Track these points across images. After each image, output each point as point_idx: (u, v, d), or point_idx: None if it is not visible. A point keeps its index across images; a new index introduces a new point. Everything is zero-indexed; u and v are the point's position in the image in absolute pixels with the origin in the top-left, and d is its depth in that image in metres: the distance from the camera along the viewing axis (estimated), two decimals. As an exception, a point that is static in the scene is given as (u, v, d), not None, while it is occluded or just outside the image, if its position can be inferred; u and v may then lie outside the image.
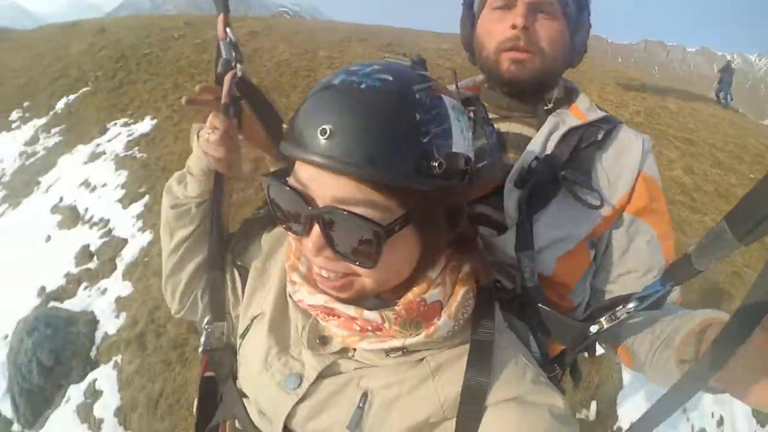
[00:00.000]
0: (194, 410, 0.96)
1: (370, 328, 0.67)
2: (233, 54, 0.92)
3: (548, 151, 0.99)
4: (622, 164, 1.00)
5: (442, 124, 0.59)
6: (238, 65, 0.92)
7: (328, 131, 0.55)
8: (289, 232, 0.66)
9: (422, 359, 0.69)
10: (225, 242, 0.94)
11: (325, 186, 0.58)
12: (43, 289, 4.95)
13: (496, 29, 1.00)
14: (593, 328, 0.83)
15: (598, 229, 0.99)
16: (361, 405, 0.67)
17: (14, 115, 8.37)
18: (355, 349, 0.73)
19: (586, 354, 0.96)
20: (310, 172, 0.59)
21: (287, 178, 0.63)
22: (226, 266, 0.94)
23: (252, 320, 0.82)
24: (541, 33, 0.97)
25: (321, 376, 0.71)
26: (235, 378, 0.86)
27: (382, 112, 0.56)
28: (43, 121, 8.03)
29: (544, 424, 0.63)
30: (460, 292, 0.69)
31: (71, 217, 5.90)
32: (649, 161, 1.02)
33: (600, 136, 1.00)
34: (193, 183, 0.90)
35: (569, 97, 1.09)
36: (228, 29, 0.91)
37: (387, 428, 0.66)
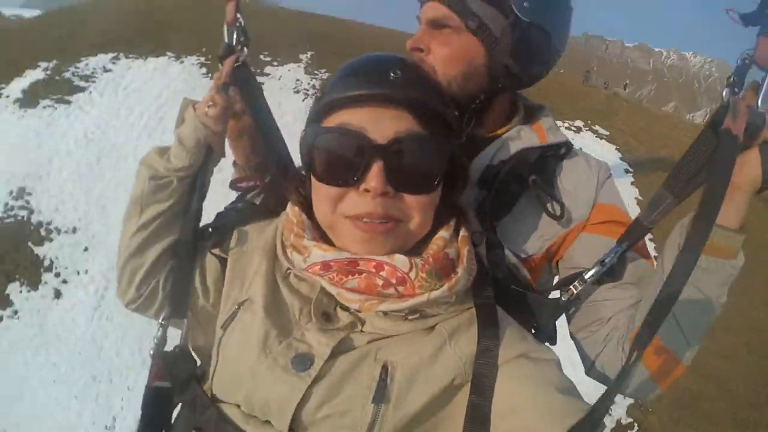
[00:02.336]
0: (137, 427, 0.86)
1: (394, 281, 0.69)
2: (240, 38, 0.97)
3: (512, 153, 0.97)
4: (578, 192, 1.00)
5: None
6: (244, 49, 0.97)
7: (399, 72, 0.72)
8: (335, 188, 0.71)
9: (435, 326, 0.73)
10: (198, 226, 0.91)
11: (384, 124, 0.69)
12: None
13: None
14: (564, 297, 0.93)
15: (556, 243, 0.99)
16: (383, 377, 0.66)
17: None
18: (364, 323, 0.73)
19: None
20: (364, 115, 0.70)
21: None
22: (197, 255, 0.89)
23: (237, 307, 0.77)
24: (436, 52, 0.94)
25: (334, 354, 0.69)
26: (199, 383, 0.79)
27: (425, 69, 0.88)
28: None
29: (556, 375, 0.69)
30: (465, 249, 0.77)
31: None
32: (605, 191, 1.01)
33: (562, 151, 1.02)
34: (182, 154, 0.87)
35: (532, 117, 1.06)
36: (238, 14, 0.97)
37: (413, 397, 0.66)
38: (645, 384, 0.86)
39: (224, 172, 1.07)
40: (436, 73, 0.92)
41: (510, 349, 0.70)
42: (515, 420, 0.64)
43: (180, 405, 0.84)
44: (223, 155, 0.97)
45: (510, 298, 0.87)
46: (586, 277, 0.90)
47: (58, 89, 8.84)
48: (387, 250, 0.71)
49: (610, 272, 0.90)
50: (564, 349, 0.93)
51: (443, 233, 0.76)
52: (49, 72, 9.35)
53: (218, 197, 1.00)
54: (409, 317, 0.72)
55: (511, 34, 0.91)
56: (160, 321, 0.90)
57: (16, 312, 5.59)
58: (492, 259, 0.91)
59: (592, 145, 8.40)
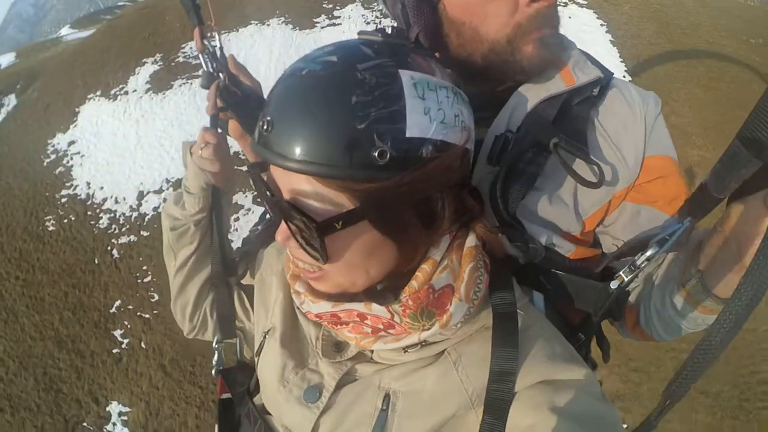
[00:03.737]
0: None
1: (381, 326, 0.64)
2: (215, 65, 0.94)
3: (527, 114, 0.77)
4: (622, 143, 0.79)
5: (389, 105, 0.52)
6: (220, 75, 0.94)
7: (266, 124, 0.54)
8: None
9: (443, 351, 0.67)
10: (228, 256, 0.95)
11: (282, 177, 0.57)
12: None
13: (498, 9, 0.72)
14: (613, 284, 0.73)
15: (600, 211, 0.81)
16: (384, 407, 0.65)
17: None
18: (373, 351, 0.71)
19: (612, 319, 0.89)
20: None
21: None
22: (231, 283, 0.95)
23: (264, 336, 0.80)
24: None
25: (340, 385, 0.69)
26: (251, 396, 0.84)
27: (315, 98, 0.53)
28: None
29: (581, 402, 0.59)
30: (467, 268, 0.63)
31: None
32: (656, 137, 0.80)
33: (596, 92, 0.79)
34: (192, 201, 0.91)
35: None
36: (205, 41, 0.93)
37: (414, 427, 0.64)
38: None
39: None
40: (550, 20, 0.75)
41: (530, 374, 0.62)
42: None
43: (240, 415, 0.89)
44: (231, 189, 1.01)
45: (553, 285, 0.78)
46: (639, 262, 0.70)
47: (182, 70, 8.54)
48: (326, 296, 0.67)
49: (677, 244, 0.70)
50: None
51: (433, 255, 0.63)
52: (160, 63, 9.07)
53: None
54: (409, 350, 0.67)
55: None
56: (213, 345, 1.01)
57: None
58: (519, 248, 0.74)
59: (578, 13, 8.23)
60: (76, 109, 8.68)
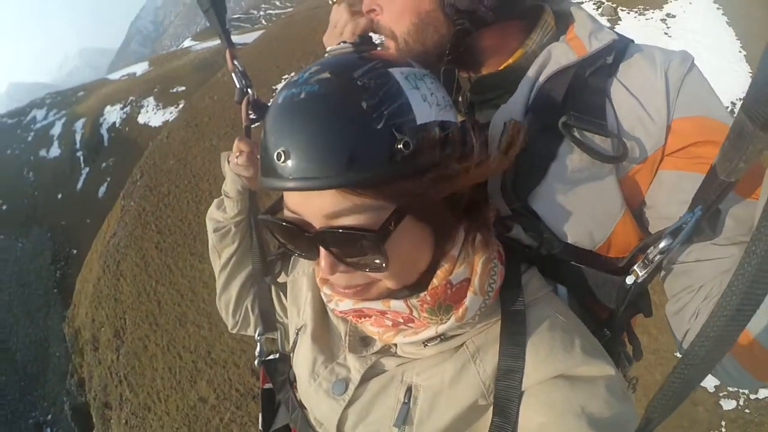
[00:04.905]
0: (259, 425, 1.01)
1: (401, 320, 0.67)
2: (244, 81, 1.05)
3: (534, 95, 0.74)
4: (645, 108, 0.72)
5: (396, 101, 0.56)
6: (249, 90, 1.05)
7: (282, 155, 0.55)
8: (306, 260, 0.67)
9: (462, 344, 0.68)
10: (267, 254, 1.03)
11: (312, 206, 0.58)
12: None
13: None
14: (629, 280, 0.69)
15: (626, 186, 0.74)
16: (406, 400, 0.67)
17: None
18: (396, 345, 0.73)
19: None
20: (294, 197, 0.59)
21: (283, 211, 0.63)
22: (269, 282, 1.03)
23: (297, 333, 0.85)
24: (386, 9, 0.78)
25: (365, 378, 0.72)
26: (292, 384, 0.88)
27: (327, 115, 0.54)
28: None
29: (597, 400, 0.58)
30: (479, 262, 0.65)
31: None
32: (685, 97, 0.72)
33: (610, 59, 0.75)
34: (231, 204, 1.02)
35: (564, 26, 0.80)
36: (235, 61, 1.05)
37: (435, 419, 0.65)
38: (739, 376, 0.70)
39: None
40: (395, 36, 0.78)
41: (546, 368, 0.62)
42: None
43: (280, 401, 0.94)
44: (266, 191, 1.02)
45: (573, 277, 0.75)
46: (651, 256, 0.66)
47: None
48: (369, 301, 0.67)
49: (695, 235, 0.64)
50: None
51: (451, 252, 0.65)
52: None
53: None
54: (429, 344, 0.69)
55: None
56: (256, 337, 1.08)
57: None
58: (534, 238, 0.74)
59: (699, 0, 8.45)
60: (273, 87, 10.43)
